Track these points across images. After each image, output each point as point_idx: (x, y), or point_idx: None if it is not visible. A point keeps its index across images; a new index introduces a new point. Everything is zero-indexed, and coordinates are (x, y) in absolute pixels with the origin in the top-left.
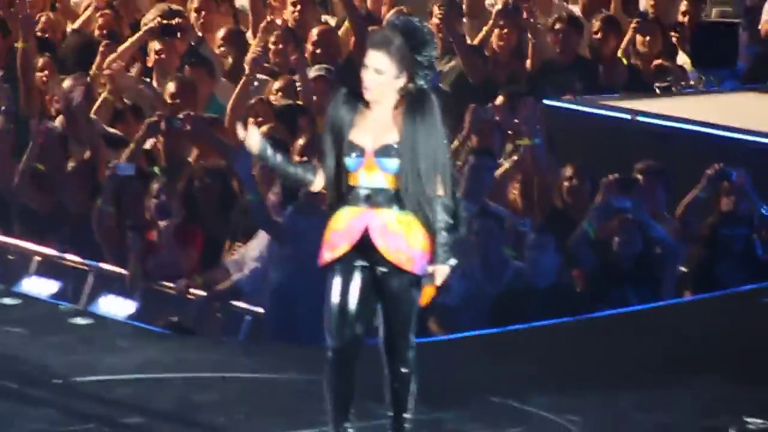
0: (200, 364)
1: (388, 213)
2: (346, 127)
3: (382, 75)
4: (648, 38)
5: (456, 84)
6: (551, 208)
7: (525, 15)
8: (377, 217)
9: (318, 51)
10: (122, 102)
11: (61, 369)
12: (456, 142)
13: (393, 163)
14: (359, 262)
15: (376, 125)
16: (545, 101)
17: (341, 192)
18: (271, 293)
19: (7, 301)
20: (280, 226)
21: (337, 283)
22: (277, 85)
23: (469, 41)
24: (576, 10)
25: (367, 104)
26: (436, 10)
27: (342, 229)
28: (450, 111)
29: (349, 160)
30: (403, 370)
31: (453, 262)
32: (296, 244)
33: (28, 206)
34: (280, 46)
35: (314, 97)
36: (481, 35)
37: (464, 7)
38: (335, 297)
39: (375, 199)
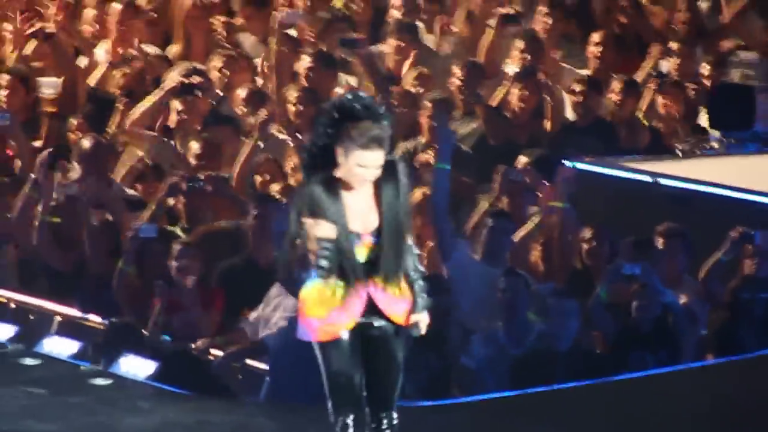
0: (221, 425)
1: (384, 281)
2: (339, 217)
3: (379, 169)
4: (669, 100)
5: (477, 145)
6: (572, 271)
7: (542, 77)
8: (378, 289)
9: None
10: (143, 161)
11: (82, 430)
12: (485, 203)
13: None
14: (361, 329)
15: (361, 209)
16: (565, 162)
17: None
18: (290, 352)
19: (28, 361)
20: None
21: (340, 356)
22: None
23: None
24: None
25: (337, 187)
26: (457, 71)
27: (342, 306)
28: (471, 172)
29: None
30: (395, 422)
31: (427, 305)
32: None
33: (50, 265)
34: (301, 107)
35: None
36: (499, 96)
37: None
38: (342, 370)
39: (368, 271)
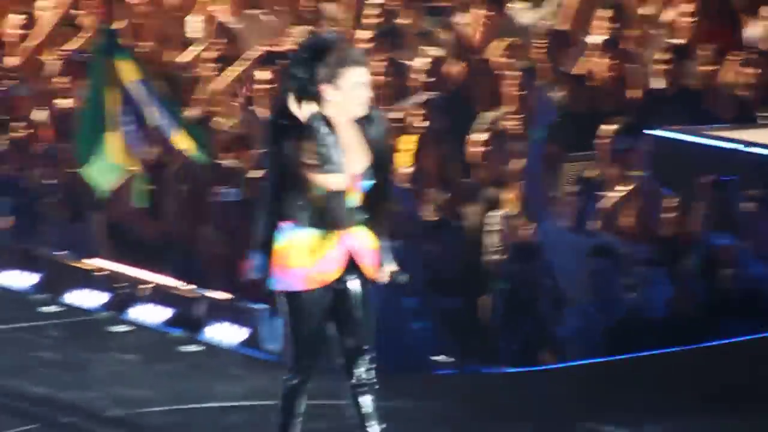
0: (312, 391)
1: (361, 230)
2: (334, 152)
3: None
4: (756, 70)
5: (560, 114)
6: (661, 239)
7: (626, 45)
8: (356, 239)
9: (428, 80)
10: (229, 131)
11: (173, 396)
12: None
13: (368, 183)
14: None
15: (352, 148)
16: (651, 131)
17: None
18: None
19: (119, 328)
20: None
21: (311, 309)
22: None
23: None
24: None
25: (332, 126)
26: (540, 41)
27: (329, 255)
28: (554, 140)
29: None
30: (374, 378)
31: (393, 265)
32: None
33: (138, 234)
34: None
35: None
36: (584, 65)
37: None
38: (311, 322)
39: (351, 218)
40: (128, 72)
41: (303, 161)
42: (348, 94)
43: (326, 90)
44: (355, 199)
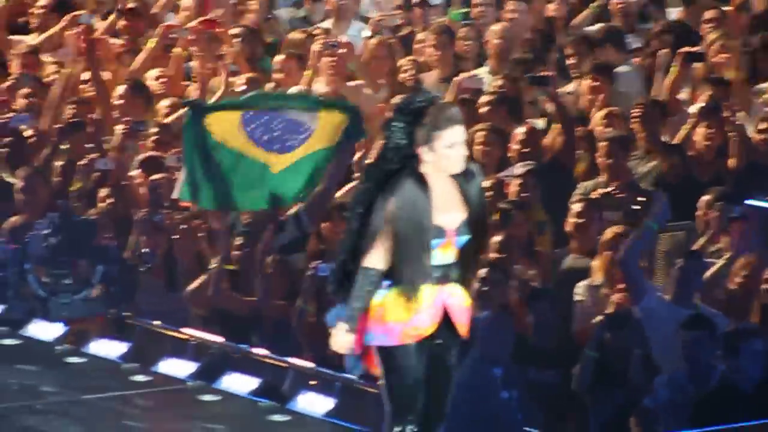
0: None
1: (456, 287)
2: (428, 212)
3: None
4: None
5: (657, 183)
6: (762, 309)
7: (726, 114)
8: (451, 295)
9: (524, 150)
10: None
11: None
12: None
13: (465, 238)
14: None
15: (448, 204)
16: (749, 201)
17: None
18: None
19: (208, 397)
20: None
21: (409, 363)
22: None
23: (668, 139)
24: None
25: (426, 182)
26: (637, 109)
27: (424, 310)
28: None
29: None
30: None
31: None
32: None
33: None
34: (488, 147)
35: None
36: (681, 134)
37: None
38: (410, 377)
39: (447, 275)
40: (226, 119)
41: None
42: (444, 155)
43: (423, 151)
44: (451, 255)
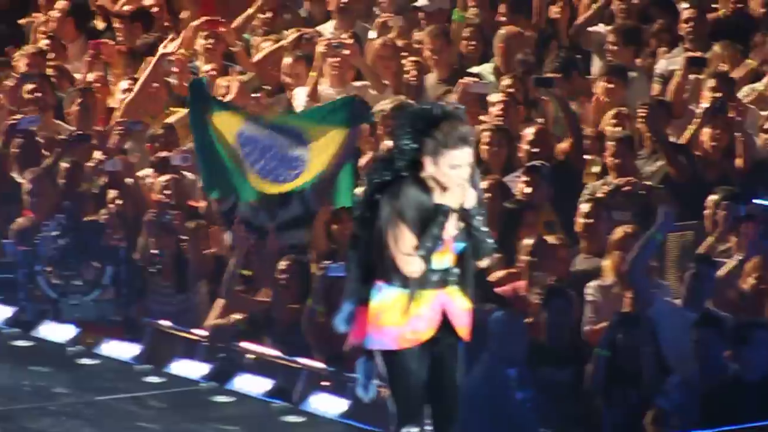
0: None
1: (455, 292)
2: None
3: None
4: None
5: (663, 183)
6: None
7: (733, 114)
8: (450, 300)
9: (534, 150)
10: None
11: None
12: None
13: (462, 244)
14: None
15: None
16: (756, 200)
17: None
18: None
19: (221, 398)
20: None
21: (411, 366)
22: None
23: (674, 140)
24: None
25: (429, 188)
26: (643, 110)
27: (422, 314)
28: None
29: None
30: None
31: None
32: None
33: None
34: (495, 147)
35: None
36: (687, 135)
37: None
38: (414, 381)
39: (445, 279)
40: (228, 125)
41: (393, 224)
42: (445, 173)
43: (427, 162)
44: (448, 260)
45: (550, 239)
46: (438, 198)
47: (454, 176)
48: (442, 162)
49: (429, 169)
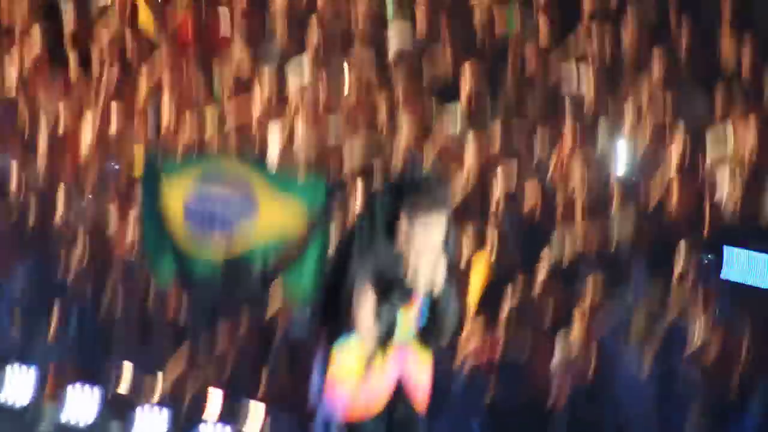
0: None
1: (417, 349)
2: (401, 271)
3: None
4: None
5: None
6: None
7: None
8: (409, 359)
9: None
10: None
11: None
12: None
13: (427, 299)
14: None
15: (419, 266)
16: (727, 248)
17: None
18: None
19: None
20: None
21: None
22: None
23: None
24: None
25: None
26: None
27: (375, 383)
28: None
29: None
30: None
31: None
32: None
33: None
34: None
35: None
36: (656, 196)
37: None
38: None
39: (405, 334)
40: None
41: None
42: (419, 236)
43: (402, 224)
44: (413, 315)
45: None
46: (410, 270)
47: (428, 240)
48: (417, 226)
49: (402, 231)
